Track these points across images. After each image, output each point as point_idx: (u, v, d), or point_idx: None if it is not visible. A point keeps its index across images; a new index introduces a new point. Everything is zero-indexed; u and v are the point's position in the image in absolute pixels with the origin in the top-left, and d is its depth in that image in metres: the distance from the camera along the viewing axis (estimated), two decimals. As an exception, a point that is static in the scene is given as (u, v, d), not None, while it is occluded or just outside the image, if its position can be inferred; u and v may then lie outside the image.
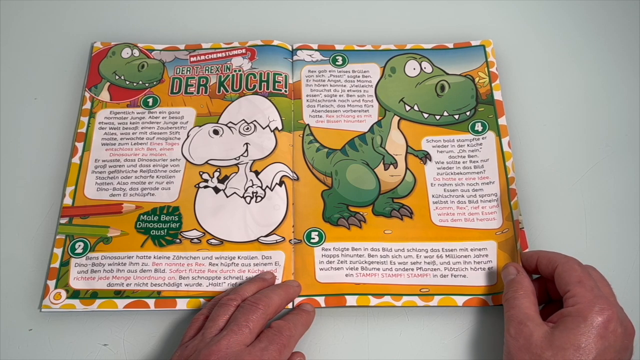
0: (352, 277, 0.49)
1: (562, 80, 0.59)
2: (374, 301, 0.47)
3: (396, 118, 0.56)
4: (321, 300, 0.48)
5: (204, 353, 0.40)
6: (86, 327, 0.47)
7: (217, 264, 0.49)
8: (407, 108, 0.56)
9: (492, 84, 0.57)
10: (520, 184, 0.53)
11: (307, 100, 0.57)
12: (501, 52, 0.60)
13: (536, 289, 0.45)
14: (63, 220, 0.51)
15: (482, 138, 0.54)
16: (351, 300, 0.47)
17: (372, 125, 0.56)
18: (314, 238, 0.50)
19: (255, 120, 0.55)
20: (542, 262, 0.45)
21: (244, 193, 0.52)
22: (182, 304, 0.47)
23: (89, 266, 0.49)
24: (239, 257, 0.50)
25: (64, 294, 0.48)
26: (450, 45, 0.59)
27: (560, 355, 0.39)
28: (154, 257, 0.49)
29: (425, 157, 0.54)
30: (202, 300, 0.48)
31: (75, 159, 0.54)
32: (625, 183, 0.54)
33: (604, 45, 0.61)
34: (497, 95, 0.56)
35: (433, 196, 0.52)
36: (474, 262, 0.49)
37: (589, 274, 0.43)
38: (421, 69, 0.58)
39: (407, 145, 0.55)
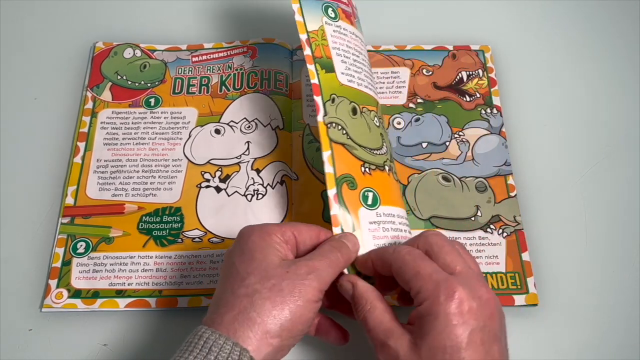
0: None
1: (562, 80, 0.59)
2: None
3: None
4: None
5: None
6: (86, 327, 0.47)
7: (218, 262, 0.49)
8: None
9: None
10: (520, 184, 0.53)
11: (307, 100, 0.57)
12: (503, 50, 0.60)
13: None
14: (65, 220, 0.51)
15: None
16: None
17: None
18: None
19: (256, 119, 0.55)
20: (378, 264, 0.41)
21: (245, 191, 0.52)
22: (183, 303, 0.47)
23: (91, 266, 0.49)
24: None
25: (65, 293, 0.48)
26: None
27: None
28: (156, 257, 0.49)
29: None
30: (203, 298, 0.47)
31: (77, 159, 0.54)
32: (625, 183, 0.54)
33: (603, 44, 0.62)
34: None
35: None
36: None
37: (423, 258, 0.39)
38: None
39: None
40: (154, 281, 0.48)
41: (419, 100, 0.57)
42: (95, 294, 0.48)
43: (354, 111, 0.45)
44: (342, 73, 0.46)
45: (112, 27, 0.62)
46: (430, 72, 0.58)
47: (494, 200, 0.52)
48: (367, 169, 0.44)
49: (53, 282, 0.48)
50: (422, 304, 0.37)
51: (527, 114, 0.57)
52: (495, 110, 0.56)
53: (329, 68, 0.45)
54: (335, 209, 0.42)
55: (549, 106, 0.58)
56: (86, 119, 0.56)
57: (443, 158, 0.54)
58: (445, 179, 0.53)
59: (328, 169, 0.42)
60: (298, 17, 0.47)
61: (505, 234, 0.50)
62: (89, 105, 0.56)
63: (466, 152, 0.54)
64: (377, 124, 0.46)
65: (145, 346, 0.47)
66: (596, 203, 0.53)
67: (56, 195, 0.53)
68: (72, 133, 0.56)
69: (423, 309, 0.37)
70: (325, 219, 0.51)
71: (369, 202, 0.43)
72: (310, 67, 0.45)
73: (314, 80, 0.44)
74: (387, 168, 0.45)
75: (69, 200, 0.52)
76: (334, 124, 0.43)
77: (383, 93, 0.57)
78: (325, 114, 0.43)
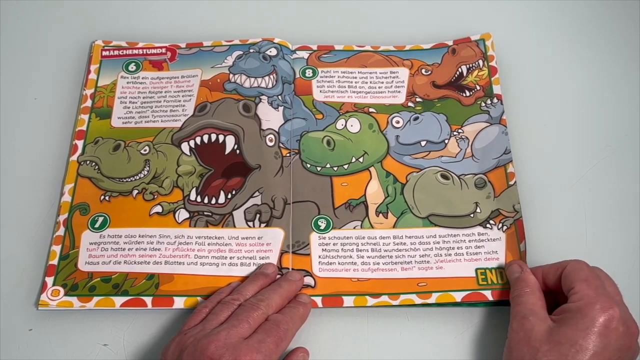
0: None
1: (562, 80, 0.59)
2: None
3: None
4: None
5: (203, 342, 0.41)
6: (86, 327, 0.47)
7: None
8: None
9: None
10: (520, 184, 0.53)
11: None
12: (501, 51, 0.60)
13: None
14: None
15: None
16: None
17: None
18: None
19: None
20: (550, 270, 0.45)
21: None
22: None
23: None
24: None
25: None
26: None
27: (555, 350, 0.40)
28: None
29: None
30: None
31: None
32: (626, 183, 0.54)
33: (604, 44, 0.61)
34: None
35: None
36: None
37: (597, 276, 0.43)
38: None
39: None
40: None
41: (418, 100, 0.57)
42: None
43: (116, 148, 0.53)
44: (119, 117, 0.55)
45: (111, 26, 0.62)
46: (429, 72, 0.58)
47: (494, 194, 0.52)
48: (106, 197, 0.51)
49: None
50: (577, 302, 0.41)
51: (529, 101, 0.57)
52: (495, 100, 0.56)
53: (104, 115, 0.55)
54: (60, 232, 0.50)
55: (549, 106, 0.57)
56: (84, 117, 0.56)
57: (442, 156, 0.54)
58: (444, 177, 0.53)
59: (66, 198, 0.51)
60: (93, 76, 0.57)
61: (505, 228, 0.50)
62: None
63: (465, 149, 0.54)
64: (145, 152, 0.53)
65: (146, 346, 0.46)
66: (596, 203, 0.53)
67: (55, 194, 0.53)
68: (71, 131, 0.56)
69: (575, 306, 0.41)
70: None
71: (97, 225, 0.50)
72: (84, 117, 0.55)
73: (82, 128, 0.54)
74: (134, 192, 0.51)
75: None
76: (87, 162, 0.52)
77: (382, 92, 0.57)
78: (82, 154, 0.53)
